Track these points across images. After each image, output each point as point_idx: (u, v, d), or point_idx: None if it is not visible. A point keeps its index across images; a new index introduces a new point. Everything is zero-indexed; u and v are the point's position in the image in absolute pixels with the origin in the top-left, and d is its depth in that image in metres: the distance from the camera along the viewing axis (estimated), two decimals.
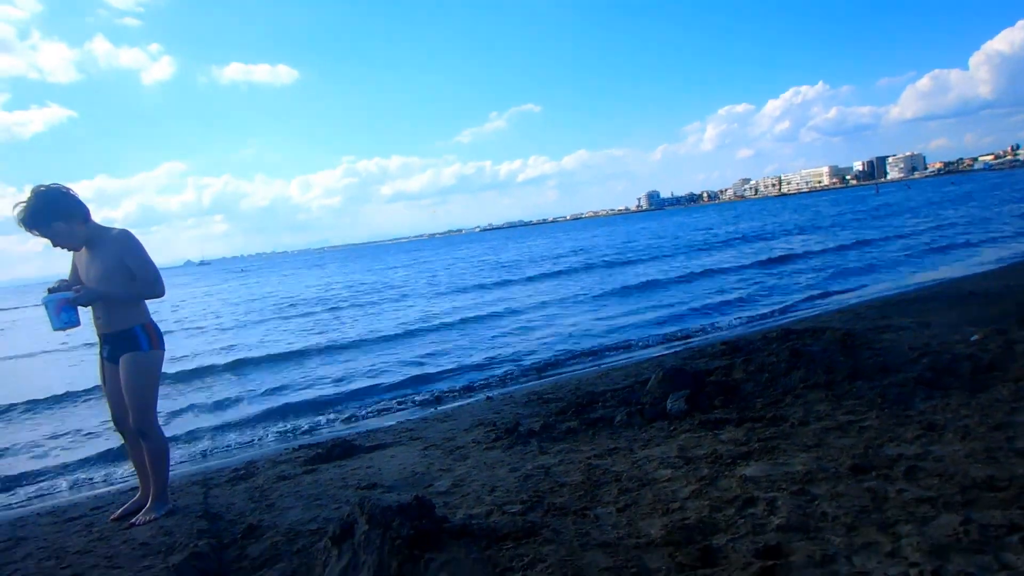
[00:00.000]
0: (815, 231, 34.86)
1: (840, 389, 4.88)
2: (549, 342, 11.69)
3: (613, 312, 14.81)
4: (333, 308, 23.10)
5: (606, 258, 33.36)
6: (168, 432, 7.87)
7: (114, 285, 3.93)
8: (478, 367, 10.19)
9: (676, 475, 3.63)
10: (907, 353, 5.65)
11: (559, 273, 27.76)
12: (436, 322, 16.09)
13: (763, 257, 23.05)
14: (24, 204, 3.75)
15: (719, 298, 14.95)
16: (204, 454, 7.13)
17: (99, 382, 4.28)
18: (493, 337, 13.09)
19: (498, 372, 9.60)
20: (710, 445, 4.07)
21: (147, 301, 4.14)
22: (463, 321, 15.74)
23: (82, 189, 4.23)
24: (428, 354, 11.82)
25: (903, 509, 2.85)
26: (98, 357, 4.21)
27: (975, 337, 5.97)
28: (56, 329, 3.89)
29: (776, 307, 12.90)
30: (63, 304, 3.84)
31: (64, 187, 3.89)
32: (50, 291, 3.90)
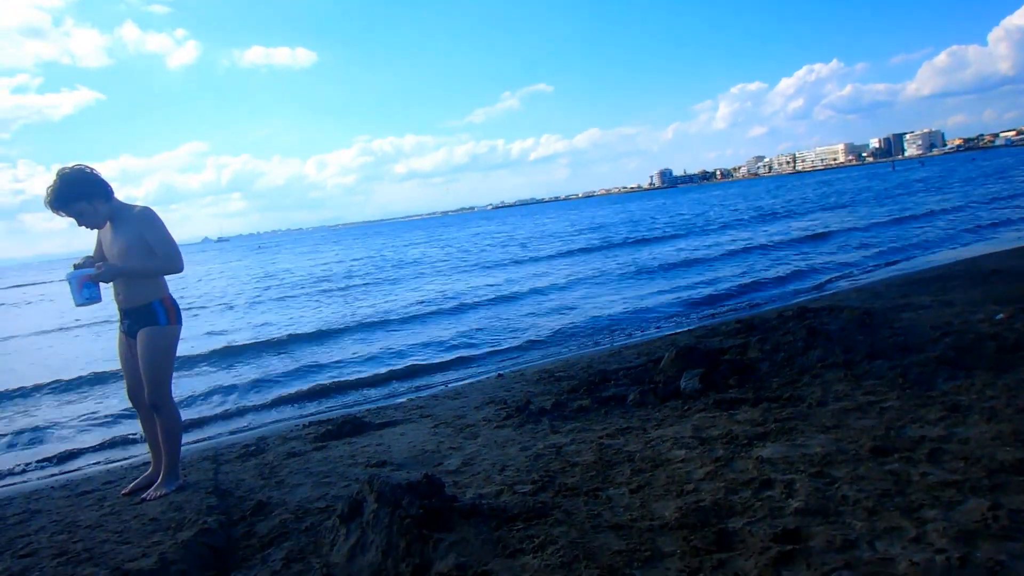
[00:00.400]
0: (861, 206, 33.54)
1: (859, 369, 4.75)
2: (608, 318, 11.41)
3: (663, 290, 14.23)
4: (365, 284, 22.82)
5: (643, 233, 32.50)
6: (196, 408, 8.02)
7: (134, 260, 4.00)
8: (529, 346, 9.91)
9: (690, 456, 3.54)
10: (928, 332, 5.50)
11: (605, 247, 27.10)
12: (482, 297, 15.71)
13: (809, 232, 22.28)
14: (50, 187, 3.88)
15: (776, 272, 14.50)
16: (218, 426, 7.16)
17: (117, 356, 4.33)
18: (533, 315, 12.67)
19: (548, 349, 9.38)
20: (725, 425, 3.97)
21: (167, 277, 4.21)
22: (503, 298, 15.31)
23: (107, 168, 4.29)
24: (471, 331, 11.58)
25: (927, 493, 2.74)
26: (118, 331, 4.26)
27: (1000, 316, 5.80)
28: (78, 305, 3.98)
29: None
30: (85, 280, 3.92)
31: (87, 168, 4.00)
32: (75, 267, 4.00)
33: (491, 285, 18.40)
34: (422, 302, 16.08)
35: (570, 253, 26.55)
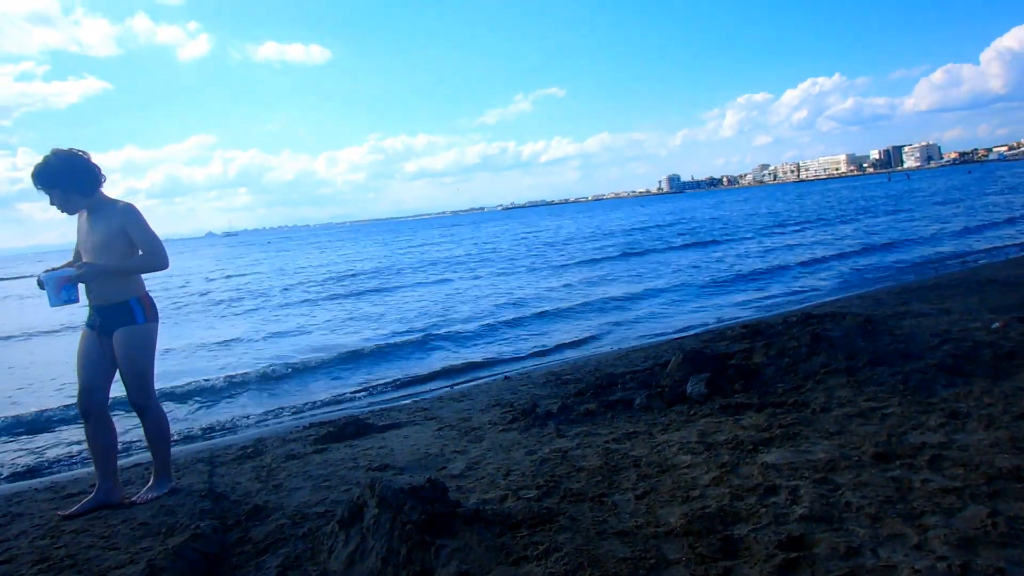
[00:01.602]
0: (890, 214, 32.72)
1: (861, 375, 4.80)
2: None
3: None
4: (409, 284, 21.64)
5: (684, 236, 31.38)
6: (214, 412, 7.85)
7: (113, 254, 3.89)
8: None
9: (696, 461, 3.58)
10: (928, 339, 5.57)
11: (648, 252, 25.84)
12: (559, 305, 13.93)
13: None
14: (38, 163, 3.81)
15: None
16: (211, 429, 7.07)
17: (77, 353, 4.03)
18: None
19: None
20: (731, 430, 4.01)
21: (155, 274, 4.09)
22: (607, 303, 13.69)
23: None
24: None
25: (928, 500, 2.79)
26: (83, 327, 4.05)
27: (996, 324, 5.88)
28: (54, 306, 3.86)
29: None
30: (64, 282, 3.81)
31: (81, 155, 3.87)
32: (47, 271, 3.86)
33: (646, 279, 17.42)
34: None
35: (666, 249, 25.65)
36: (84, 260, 3.98)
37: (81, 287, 3.91)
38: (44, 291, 3.83)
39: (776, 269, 16.75)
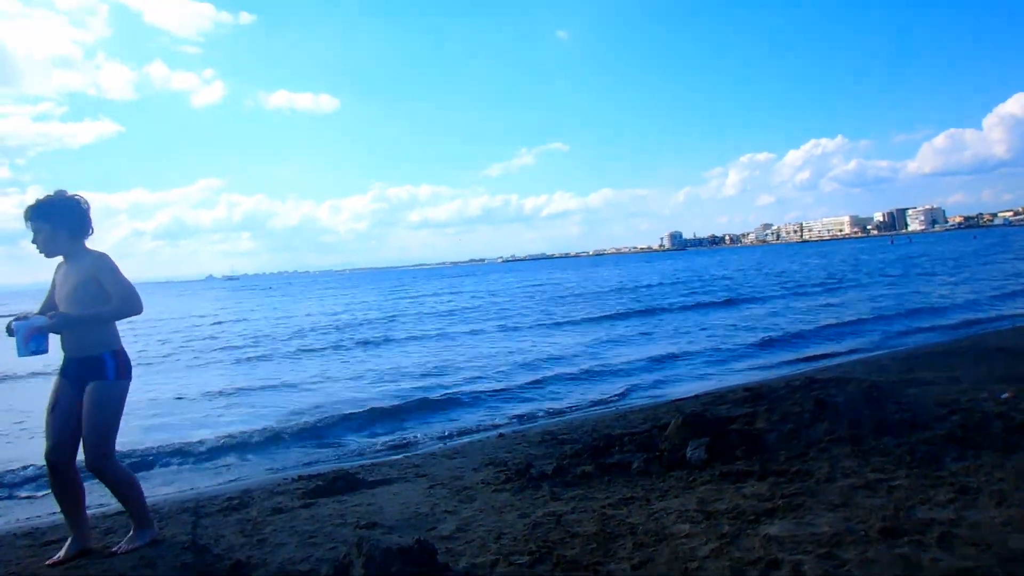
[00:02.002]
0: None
1: (867, 444, 4.68)
2: None
3: None
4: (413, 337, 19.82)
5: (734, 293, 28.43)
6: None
7: (84, 301, 3.81)
8: None
9: (695, 531, 3.44)
10: (935, 409, 5.44)
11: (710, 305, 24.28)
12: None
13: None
14: (40, 198, 3.86)
15: None
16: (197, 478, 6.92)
17: (48, 405, 3.90)
18: None
19: None
20: (731, 499, 3.88)
21: (134, 319, 4.00)
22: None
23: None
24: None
25: None
26: (56, 376, 3.93)
27: (1005, 395, 5.76)
28: (22, 356, 3.72)
29: None
30: (34, 332, 3.70)
31: (83, 203, 3.93)
32: (17, 318, 3.76)
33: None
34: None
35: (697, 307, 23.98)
36: (60, 310, 3.90)
37: (55, 337, 3.82)
38: (13, 339, 3.71)
39: (818, 330, 15.61)
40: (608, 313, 23.57)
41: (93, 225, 3.98)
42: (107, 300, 3.86)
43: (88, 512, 4.87)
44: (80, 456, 3.88)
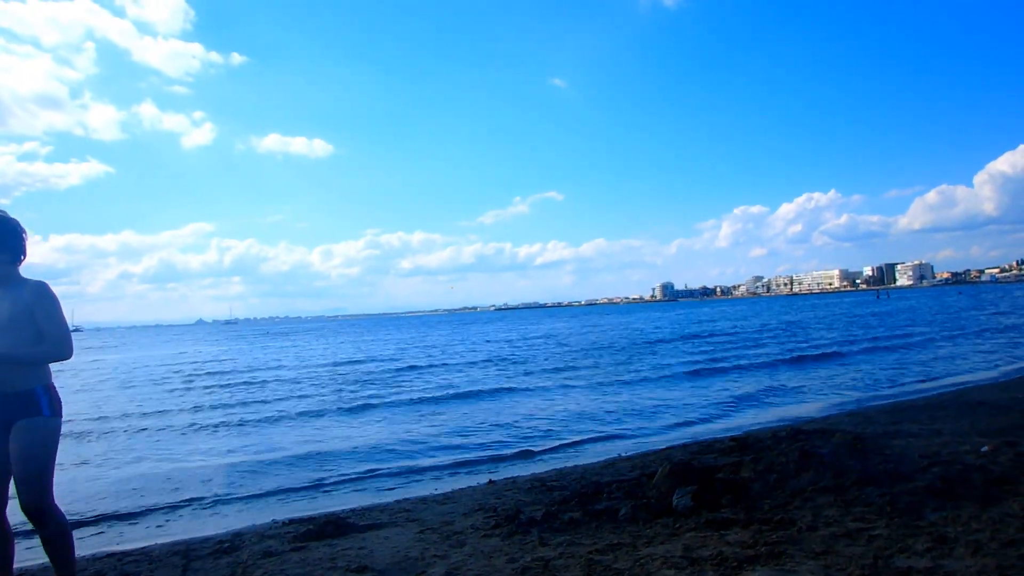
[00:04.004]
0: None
1: (850, 494, 4.77)
2: None
3: None
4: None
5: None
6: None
7: (16, 333, 3.48)
8: None
9: None
10: (917, 461, 5.54)
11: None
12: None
13: None
14: None
15: None
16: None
17: None
18: None
19: None
20: (716, 546, 3.95)
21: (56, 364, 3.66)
22: None
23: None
24: None
25: None
26: None
27: (985, 448, 5.88)
28: None
29: None
30: None
31: (15, 221, 3.64)
32: None
33: None
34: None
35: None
36: None
37: None
38: None
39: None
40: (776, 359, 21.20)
41: (26, 250, 3.66)
42: (38, 338, 3.54)
43: (28, 563, 4.76)
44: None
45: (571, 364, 23.21)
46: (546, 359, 26.02)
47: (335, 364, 28.65)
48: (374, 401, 15.77)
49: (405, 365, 25.93)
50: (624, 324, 58.78)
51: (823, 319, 46.53)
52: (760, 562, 3.63)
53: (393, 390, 18.05)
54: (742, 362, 21.08)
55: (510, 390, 16.88)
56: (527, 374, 20.77)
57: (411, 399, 15.87)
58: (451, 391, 17.13)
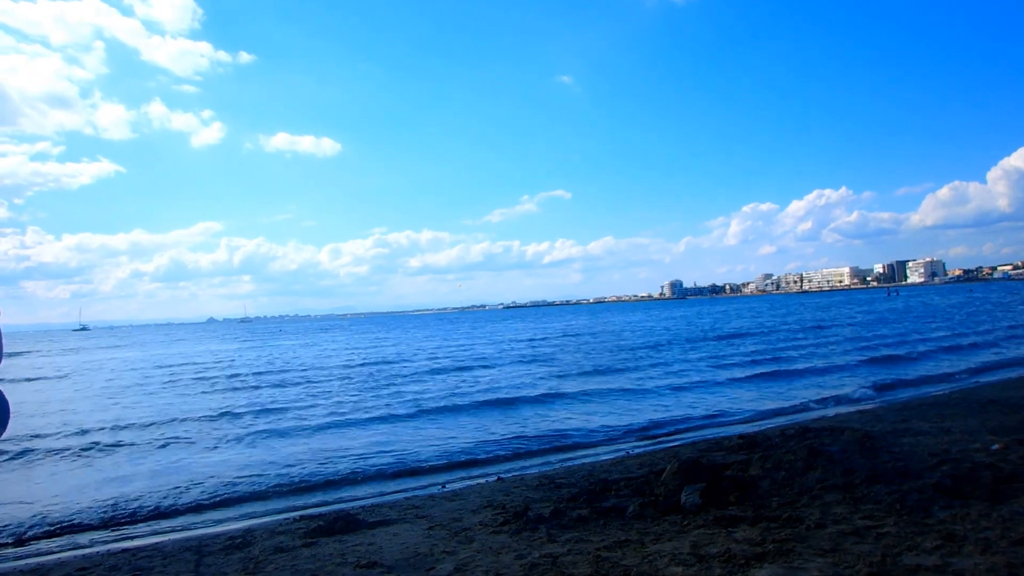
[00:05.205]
0: None
1: (858, 492, 4.76)
2: None
3: None
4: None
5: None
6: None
7: None
8: None
9: (687, 573, 3.53)
10: (927, 459, 5.53)
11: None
12: None
13: None
14: None
15: None
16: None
17: None
18: None
19: None
20: (724, 543, 3.96)
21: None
22: None
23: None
24: None
25: None
26: None
27: (996, 446, 5.85)
28: None
29: None
30: None
31: None
32: None
33: None
34: None
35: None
36: None
37: None
38: None
39: None
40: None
41: None
42: None
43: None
44: None
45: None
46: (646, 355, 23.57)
47: (382, 362, 26.45)
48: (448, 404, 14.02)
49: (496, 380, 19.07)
50: (681, 318, 56.26)
51: (888, 314, 42.27)
52: (768, 559, 3.63)
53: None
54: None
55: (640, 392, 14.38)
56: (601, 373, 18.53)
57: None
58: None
